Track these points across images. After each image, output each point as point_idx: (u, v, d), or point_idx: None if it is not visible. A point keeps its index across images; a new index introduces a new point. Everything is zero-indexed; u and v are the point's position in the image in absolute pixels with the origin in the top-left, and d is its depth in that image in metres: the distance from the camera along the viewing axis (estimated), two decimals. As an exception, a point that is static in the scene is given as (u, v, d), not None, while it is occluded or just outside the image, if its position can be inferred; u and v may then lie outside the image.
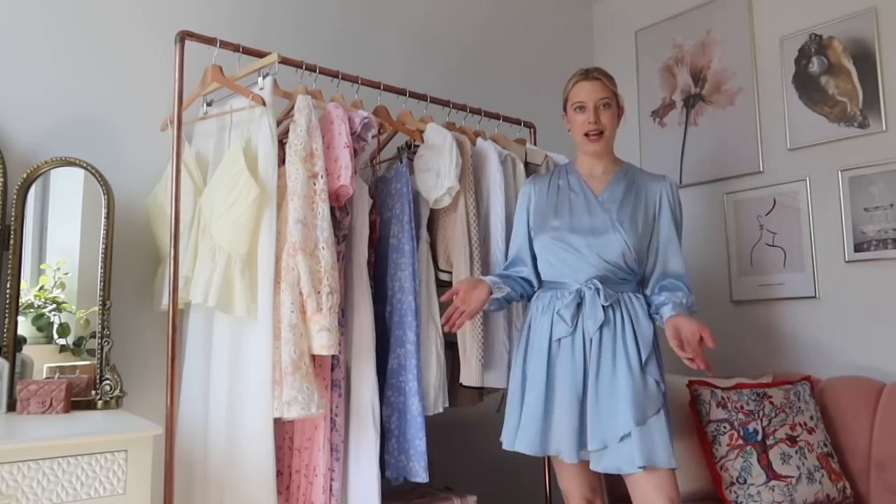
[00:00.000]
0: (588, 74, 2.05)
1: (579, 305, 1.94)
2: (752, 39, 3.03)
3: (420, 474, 2.04)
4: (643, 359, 1.89)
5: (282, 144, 1.99)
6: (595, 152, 2.06)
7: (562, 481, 2.06)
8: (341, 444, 2.01)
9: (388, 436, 2.13)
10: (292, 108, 2.01)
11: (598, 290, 1.93)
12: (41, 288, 1.94)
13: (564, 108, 2.11)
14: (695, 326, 1.85)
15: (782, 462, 2.22)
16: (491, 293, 2.03)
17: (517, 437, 1.95)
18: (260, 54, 2.03)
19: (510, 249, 2.20)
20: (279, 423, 1.93)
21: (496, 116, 2.66)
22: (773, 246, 2.90)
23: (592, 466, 1.87)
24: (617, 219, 1.98)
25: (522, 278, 2.13)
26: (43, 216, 1.99)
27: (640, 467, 1.80)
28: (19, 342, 1.89)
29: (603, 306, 1.92)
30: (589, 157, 2.09)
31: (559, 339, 1.95)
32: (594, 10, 3.69)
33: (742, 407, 2.32)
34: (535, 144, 2.77)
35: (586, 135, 2.03)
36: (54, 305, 1.95)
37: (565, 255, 2.00)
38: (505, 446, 2.00)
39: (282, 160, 1.96)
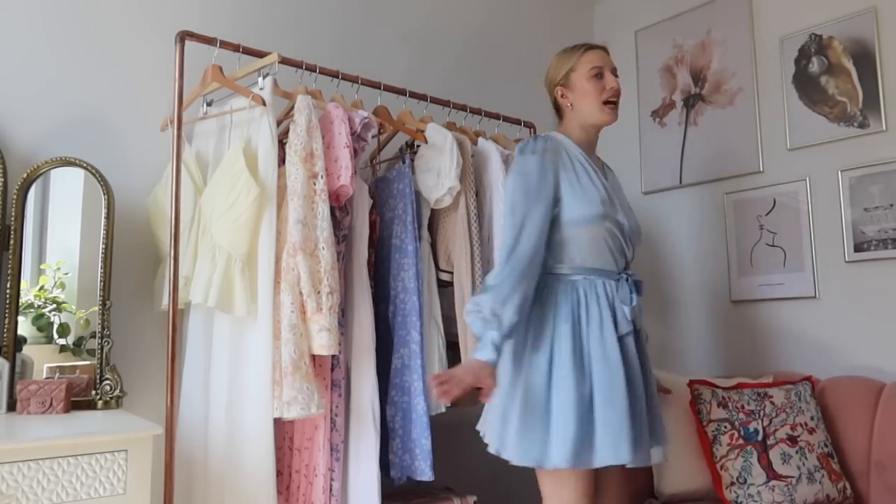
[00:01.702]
0: (595, 45, 1.95)
1: (633, 297, 1.82)
2: (752, 39, 3.03)
3: (426, 473, 2.05)
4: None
5: (282, 144, 1.99)
6: (608, 123, 1.91)
7: (582, 491, 1.74)
8: (341, 444, 2.01)
9: (392, 435, 2.13)
10: (292, 108, 2.01)
11: (636, 282, 1.85)
12: (41, 288, 1.94)
13: (564, 82, 1.92)
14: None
15: (782, 462, 2.22)
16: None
17: (606, 449, 1.64)
18: (260, 54, 2.03)
19: (526, 239, 1.74)
20: (279, 423, 1.93)
21: (496, 116, 2.66)
22: (773, 246, 2.90)
23: (654, 460, 1.80)
24: (625, 205, 1.92)
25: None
26: (43, 216, 1.98)
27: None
28: (19, 342, 1.89)
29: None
30: (592, 130, 1.93)
31: (622, 336, 1.75)
32: (594, 10, 3.69)
33: (743, 407, 2.32)
34: (535, 144, 2.76)
35: (606, 102, 1.87)
36: (54, 305, 1.95)
37: (612, 239, 1.82)
38: (576, 465, 1.64)
39: (282, 160, 1.96)
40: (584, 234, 1.80)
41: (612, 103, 1.88)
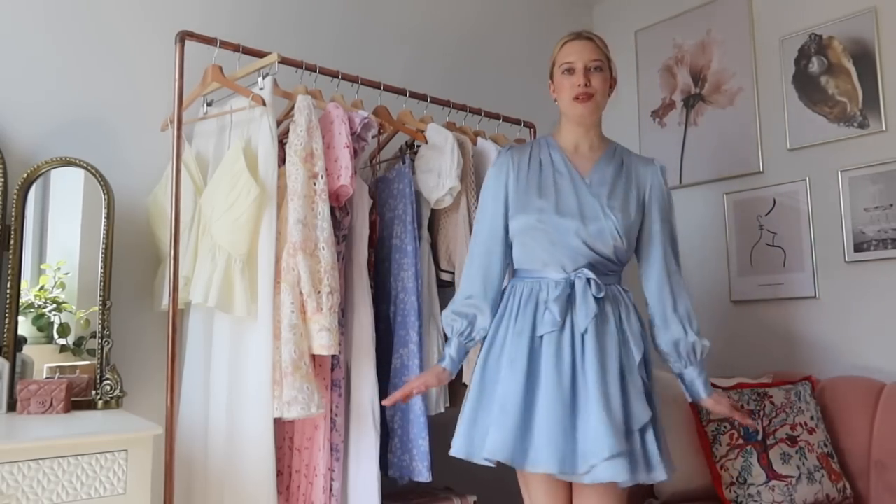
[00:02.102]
0: (580, 35, 1.85)
1: (569, 297, 1.71)
2: (752, 39, 3.03)
3: (423, 474, 2.05)
4: (637, 360, 1.71)
5: (282, 144, 1.99)
6: (582, 117, 1.82)
7: (534, 499, 1.78)
8: (341, 444, 2.01)
9: (392, 435, 2.13)
10: (292, 108, 2.01)
11: (589, 280, 1.71)
12: (41, 288, 1.94)
13: (551, 76, 1.88)
14: (725, 410, 1.85)
15: (782, 462, 2.22)
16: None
17: (482, 442, 1.67)
18: (260, 54, 2.03)
19: (477, 244, 1.86)
20: (279, 423, 1.93)
21: (496, 116, 2.66)
22: (773, 246, 2.90)
23: (587, 479, 1.60)
24: (608, 204, 1.76)
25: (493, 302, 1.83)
26: (43, 216, 1.99)
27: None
28: (20, 342, 1.89)
29: (596, 298, 1.70)
30: (575, 127, 1.85)
31: (541, 336, 1.70)
32: (594, 11, 3.69)
33: (742, 406, 2.31)
34: (535, 144, 2.76)
35: (575, 98, 1.79)
36: (54, 305, 1.95)
37: (550, 241, 1.75)
38: (455, 452, 1.74)
39: (282, 160, 1.96)
40: (519, 239, 1.82)
41: (582, 97, 1.79)
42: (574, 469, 1.60)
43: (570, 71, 1.81)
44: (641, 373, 1.72)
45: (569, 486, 1.75)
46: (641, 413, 1.66)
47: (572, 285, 1.72)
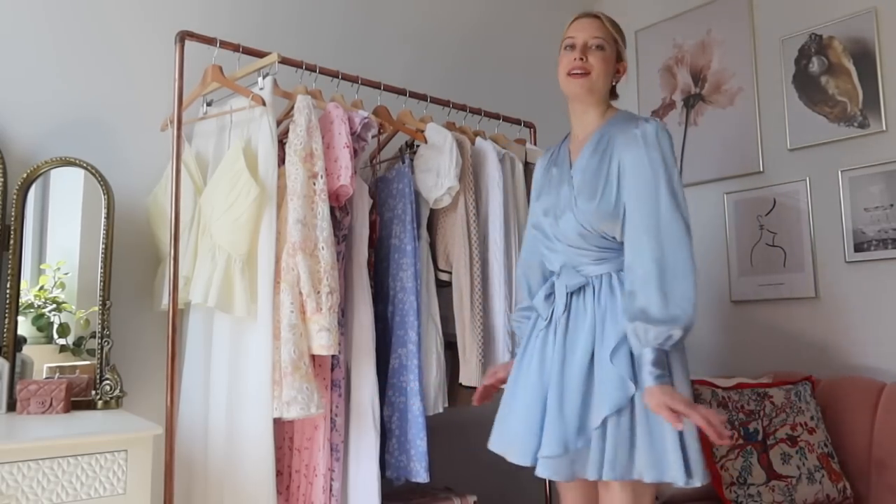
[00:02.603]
0: (588, 13, 1.82)
1: (549, 296, 1.74)
2: (752, 39, 3.03)
3: (421, 474, 2.04)
4: (610, 349, 1.58)
5: (282, 144, 1.99)
6: (576, 95, 1.76)
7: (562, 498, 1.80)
8: (341, 444, 2.01)
9: (389, 436, 2.13)
10: (292, 108, 2.01)
11: (558, 276, 1.74)
12: (41, 288, 1.94)
13: (560, 51, 1.83)
14: (663, 411, 1.49)
15: (782, 462, 2.22)
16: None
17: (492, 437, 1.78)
18: (260, 54, 2.03)
19: (522, 249, 1.97)
20: (279, 423, 1.93)
21: (496, 116, 2.66)
22: (773, 246, 2.90)
23: (537, 472, 1.60)
24: (576, 192, 1.69)
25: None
26: (43, 216, 1.99)
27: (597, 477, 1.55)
28: (19, 342, 1.89)
29: (570, 293, 1.68)
30: (574, 110, 1.80)
31: (535, 335, 1.76)
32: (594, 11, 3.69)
33: (743, 407, 2.32)
34: (535, 144, 2.77)
35: (569, 74, 1.74)
36: (54, 305, 1.95)
37: (539, 242, 1.82)
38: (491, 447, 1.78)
39: (282, 160, 1.96)
40: (531, 240, 1.91)
41: (576, 73, 1.73)
42: (524, 459, 1.64)
43: (571, 47, 1.77)
44: (619, 367, 1.57)
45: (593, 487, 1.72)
46: (598, 410, 1.57)
47: (553, 283, 1.77)
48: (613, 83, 1.82)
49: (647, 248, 1.59)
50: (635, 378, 1.56)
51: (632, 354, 1.58)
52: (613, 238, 1.67)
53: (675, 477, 1.53)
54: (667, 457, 1.55)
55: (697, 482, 1.55)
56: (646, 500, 1.65)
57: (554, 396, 1.62)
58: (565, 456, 1.57)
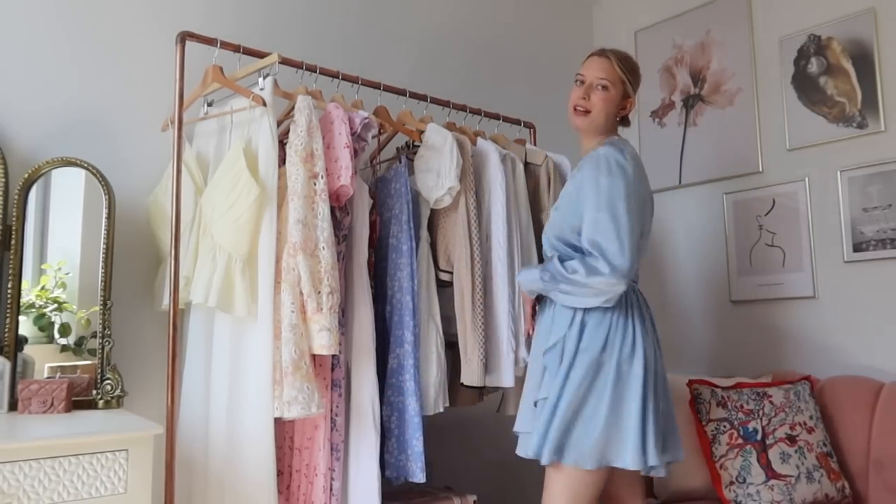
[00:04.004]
0: (602, 52, 1.98)
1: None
2: (752, 40, 3.04)
3: (417, 475, 2.05)
4: (549, 343, 1.87)
5: (282, 144, 1.99)
6: (578, 127, 2.00)
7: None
8: (341, 444, 2.01)
9: (388, 435, 2.13)
10: (293, 108, 2.01)
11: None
12: (42, 288, 1.95)
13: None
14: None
15: (782, 461, 2.23)
16: None
17: None
18: (260, 55, 2.03)
19: None
20: (279, 423, 1.93)
21: (496, 116, 2.67)
22: (772, 246, 2.91)
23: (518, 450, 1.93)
24: (551, 210, 2.04)
25: None
26: (44, 216, 1.99)
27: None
28: (20, 342, 1.89)
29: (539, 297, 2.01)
30: (582, 136, 2.03)
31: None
32: (594, 11, 3.69)
33: (742, 406, 2.32)
34: (535, 145, 2.77)
35: (573, 109, 1.97)
36: (55, 305, 1.95)
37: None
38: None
39: (282, 160, 1.96)
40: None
41: (577, 111, 1.96)
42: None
43: (580, 83, 1.97)
44: (549, 356, 1.86)
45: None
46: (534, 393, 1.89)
47: None
48: (619, 117, 2.01)
49: (588, 235, 1.87)
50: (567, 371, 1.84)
51: (562, 349, 1.88)
52: (571, 245, 1.93)
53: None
54: None
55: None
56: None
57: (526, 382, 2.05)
58: (523, 435, 1.95)
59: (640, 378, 1.76)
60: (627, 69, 1.96)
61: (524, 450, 1.86)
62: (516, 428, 1.95)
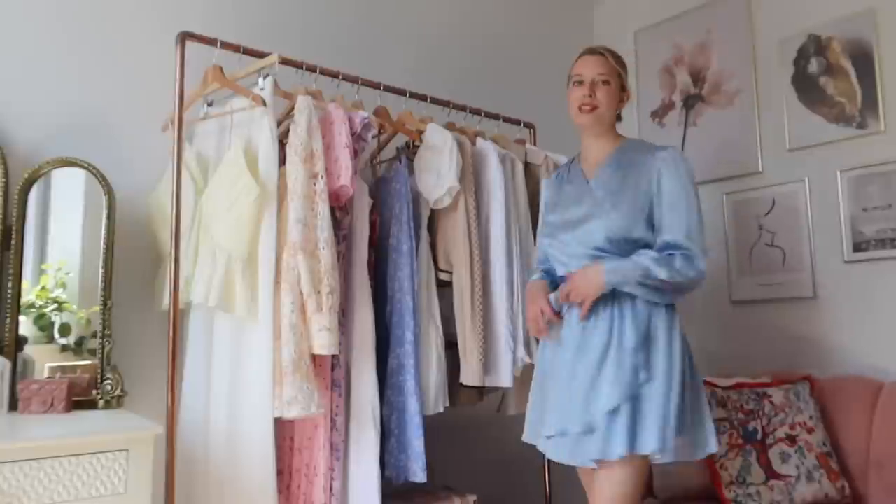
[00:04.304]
0: (593, 50, 1.99)
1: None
2: (752, 40, 3.04)
3: (418, 474, 2.05)
4: (631, 344, 1.77)
5: (282, 145, 1.99)
6: (586, 127, 1.97)
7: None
8: (341, 444, 2.01)
9: (389, 435, 2.13)
10: (293, 108, 2.01)
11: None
12: (42, 288, 1.95)
13: (567, 84, 2.02)
14: (573, 283, 1.84)
15: (781, 461, 2.23)
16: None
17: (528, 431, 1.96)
18: (260, 55, 2.03)
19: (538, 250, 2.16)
20: (280, 423, 1.93)
21: (496, 117, 2.67)
22: (772, 246, 2.91)
23: (549, 455, 1.85)
24: (601, 201, 1.89)
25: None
26: (44, 216, 1.99)
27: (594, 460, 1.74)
28: (21, 342, 1.89)
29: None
30: (586, 137, 2.00)
31: (558, 332, 1.91)
32: (594, 11, 3.69)
33: (742, 406, 2.32)
34: (535, 145, 2.77)
35: (579, 108, 1.95)
36: (56, 305, 1.95)
37: (558, 251, 1.96)
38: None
39: (282, 160, 1.96)
40: (544, 248, 2.06)
41: (585, 109, 1.94)
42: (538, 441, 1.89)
43: (580, 83, 1.96)
44: (635, 357, 1.76)
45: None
46: (607, 399, 1.74)
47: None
48: (619, 110, 2.01)
49: (682, 235, 1.85)
50: (648, 369, 1.78)
51: (648, 349, 1.80)
52: (635, 241, 1.85)
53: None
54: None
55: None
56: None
57: (565, 382, 1.84)
58: (559, 437, 1.82)
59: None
60: (620, 63, 2.00)
61: (603, 451, 1.73)
62: (560, 428, 1.80)
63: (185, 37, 1.96)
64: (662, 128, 3.33)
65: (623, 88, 1.99)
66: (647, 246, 1.86)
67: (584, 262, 1.88)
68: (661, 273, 1.77)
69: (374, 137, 2.16)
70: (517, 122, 2.78)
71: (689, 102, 3.25)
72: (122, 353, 2.02)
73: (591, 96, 1.93)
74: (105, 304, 1.94)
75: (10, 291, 1.88)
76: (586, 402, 1.76)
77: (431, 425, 2.15)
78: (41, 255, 1.97)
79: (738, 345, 2.96)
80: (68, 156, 1.99)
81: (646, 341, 1.80)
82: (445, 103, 2.49)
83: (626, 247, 1.86)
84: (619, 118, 2.04)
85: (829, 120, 2.76)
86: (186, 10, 2.34)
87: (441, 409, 2.19)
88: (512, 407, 2.45)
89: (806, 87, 2.84)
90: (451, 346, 2.29)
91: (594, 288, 1.80)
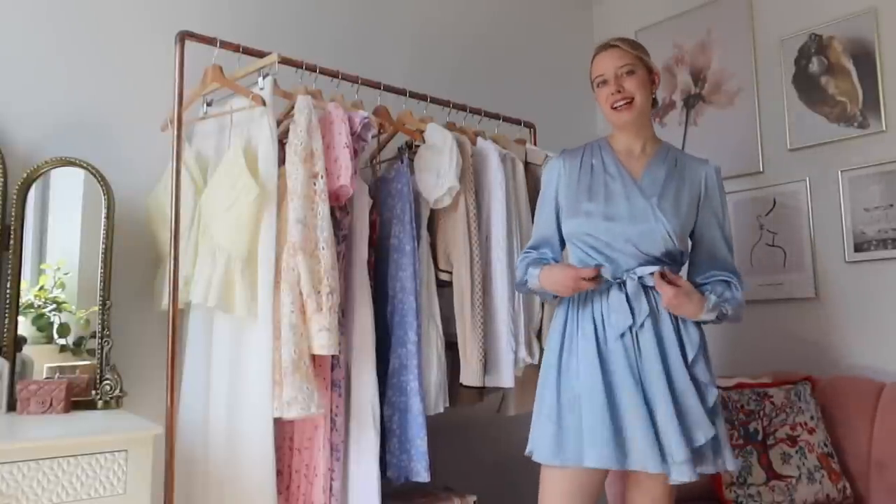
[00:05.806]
0: (606, 45, 1.89)
1: (627, 298, 1.75)
2: (752, 39, 3.04)
3: (421, 474, 2.05)
4: (689, 358, 1.74)
5: (282, 144, 1.99)
6: (626, 124, 1.86)
7: (559, 489, 1.77)
8: (341, 444, 2.01)
9: (390, 436, 2.13)
10: (292, 108, 2.01)
11: (641, 280, 1.75)
12: (41, 288, 1.95)
13: (593, 88, 1.93)
14: (681, 299, 1.72)
15: (782, 462, 2.22)
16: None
17: (578, 449, 1.71)
18: (260, 54, 2.03)
19: (534, 232, 1.99)
20: (279, 423, 1.93)
21: (496, 116, 2.66)
22: (773, 246, 2.91)
23: (674, 477, 1.69)
24: (658, 206, 1.79)
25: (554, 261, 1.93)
26: (43, 216, 1.99)
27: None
28: (19, 342, 1.89)
29: (647, 295, 1.76)
30: (624, 133, 1.90)
31: (611, 340, 1.75)
32: (594, 11, 3.69)
33: (742, 406, 2.32)
34: (535, 144, 2.77)
35: (613, 108, 1.85)
36: (54, 305, 1.95)
37: (600, 245, 1.80)
38: (544, 460, 1.77)
39: (282, 160, 1.96)
40: (573, 242, 1.88)
41: (619, 106, 1.85)
42: (661, 467, 1.67)
43: (604, 82, 1.87)
44: (700, 374, 1.76)
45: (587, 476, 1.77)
46: (714, 406, 1.76)
47: (625, 285, 1.77)
48: (653, 96, 1.92)
49: (733, 261, 1.94)
50: (713, 382, 1.79)
51: (707, 361, 1.81)
52: (679, 251, 1.82)
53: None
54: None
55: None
56: None
57: (666, 398, 1.69)
58: (690, 461, 1.69)
59: None
60: (638, 48, 1.90)
61: (715, 465, 1.76)
62: (689, 445, 1.68)
63: (184, 36, 1.96)
64: (663, 127, 3.33)
65: (651, 71, 1.89)
66: (681, 255, 1.84)
67: (631, 266, 1.77)
68: (741, 311, 1.88)
69: (373, 137, 2.15)
70: (517, 122, 2.77)
71: (690, 102, 3.24)
72: (121, 354, 2.02)
73: (620, 92, 1.83)
74: (104, 305, 1.94)
75: (8, 292, 1.88)
76: (700, 411, 1.71)
77: (431, 425, 2.15)
78: (40, 256, 1.97)
79: (738, 345, 2.96)
80: (67, 155, 1.99)
81: (704, 351, 1.82)
82: (445, 103, 2.48)
83: (675, 256, 1.82)
84: (655, 103, 1.94)
85: (831, 120, 2.76)
86: (185, 10, 2.33)
87: (441, 410, 2.18)
88: (512, 407, 2.44)
89: (807, 87, 2.84)
90: (451, 346, 2.28)
91: (690, 313, 1.76)
